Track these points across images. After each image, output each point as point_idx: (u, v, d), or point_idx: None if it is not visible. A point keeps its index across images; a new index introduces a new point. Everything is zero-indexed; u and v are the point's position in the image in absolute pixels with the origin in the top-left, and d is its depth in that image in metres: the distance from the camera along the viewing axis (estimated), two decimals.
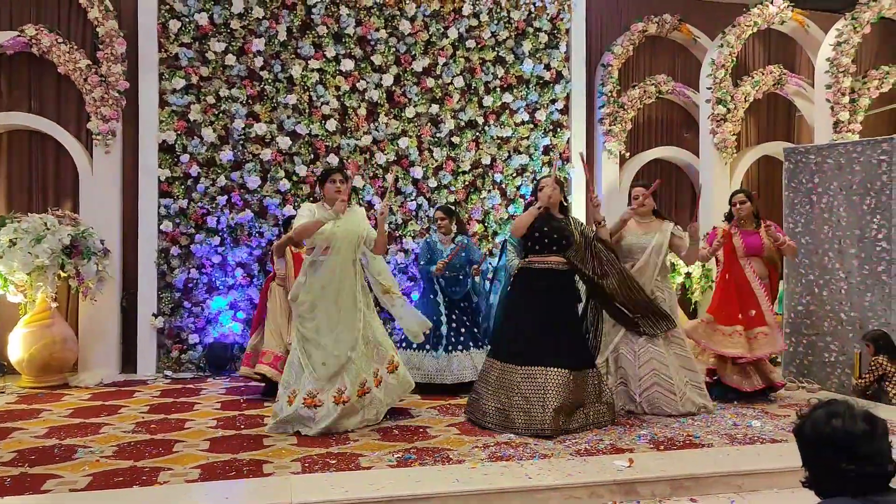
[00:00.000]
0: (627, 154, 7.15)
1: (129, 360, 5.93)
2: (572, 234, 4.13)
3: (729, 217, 5.05)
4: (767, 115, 7.69)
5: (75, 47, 5.77)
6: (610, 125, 6.98)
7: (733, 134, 6.97)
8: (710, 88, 6.94)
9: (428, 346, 5.04)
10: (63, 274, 5.36)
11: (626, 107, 7.04)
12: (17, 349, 5.27)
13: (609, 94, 6.98)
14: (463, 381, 4.96)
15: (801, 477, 1.50)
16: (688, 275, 6.96)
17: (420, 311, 4.81)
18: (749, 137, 7.60)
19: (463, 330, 5.17)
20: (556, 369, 3.89)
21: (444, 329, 5.12)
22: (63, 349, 5.38)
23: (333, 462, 3.41)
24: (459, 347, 5.09)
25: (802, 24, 7.20)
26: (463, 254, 5.25)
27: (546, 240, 4.09)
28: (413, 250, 6.35)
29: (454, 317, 5.20)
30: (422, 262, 5.34)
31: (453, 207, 5.91)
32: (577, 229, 4.20)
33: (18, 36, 5.66)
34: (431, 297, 5.25)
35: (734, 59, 6.97)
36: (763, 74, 7.15)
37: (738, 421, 4.29)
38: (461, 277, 5.26)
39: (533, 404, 3.85)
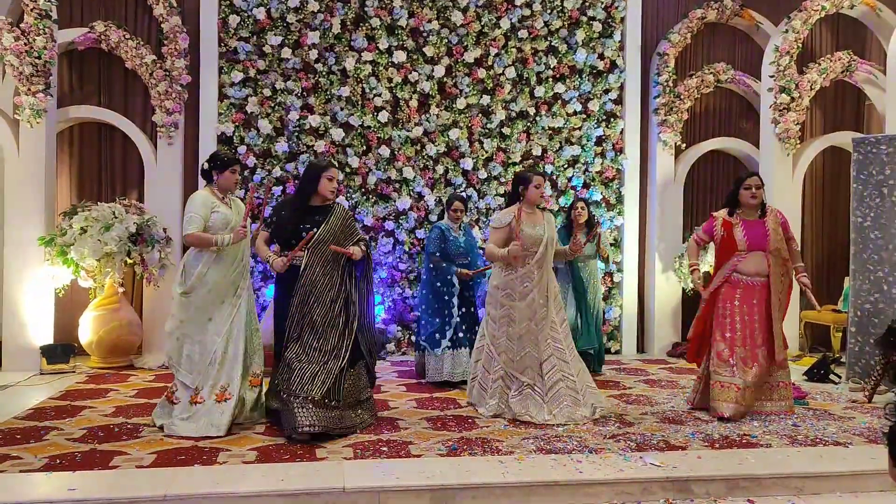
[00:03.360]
0: (683, 145, 6.95)
1: None
2: None
3: (732, 205, 4.34)
4: (835, 103, 7.33)
5: (141, 43, 6.00)
6: (665, 115, 6.80)
7: (797, 124, 6.68)
8: (772, 76, 6.67)
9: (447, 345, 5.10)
10: (129, 261, 5.61)
11: (682, 96, 6.84)
12: (87, 331, 5.55)
13: (665, 84, 6.80)
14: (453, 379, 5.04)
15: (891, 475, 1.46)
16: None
17: (427, 302, 5.12)
18: (814, 127, 7.27)
19: (465, 326, 5.17)
20: None
21: (456, 324, 5.13)
22: (129, 332, 5.64)
23: (385, 449, 3.47)
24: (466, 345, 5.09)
25: (874, 7, 6.82)
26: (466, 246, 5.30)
27: None
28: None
29: (462, 313, 5.19)
30: (432, 250, 5.22)
31: (465, 196, 5.99)
32: None
33: (89, 32, 5.92)
34: (444, 289, 5.14)
35: (800, 45, 6.67)
36: (831, 61, 6.81)
37: (798, 422, 4.15)
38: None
39: None
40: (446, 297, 5.13)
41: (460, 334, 5.11)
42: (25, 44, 5.34)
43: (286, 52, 6.20)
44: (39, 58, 5.38)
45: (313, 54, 6.24)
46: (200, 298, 3.77)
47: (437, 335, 5.07)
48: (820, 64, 6.79)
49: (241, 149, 6.15)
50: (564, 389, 4.04)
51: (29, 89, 5.37)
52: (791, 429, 3.98)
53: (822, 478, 3.27)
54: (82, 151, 6.28)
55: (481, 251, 5.50)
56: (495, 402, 4.14)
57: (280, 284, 4.03)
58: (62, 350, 5.46)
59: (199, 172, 4.03)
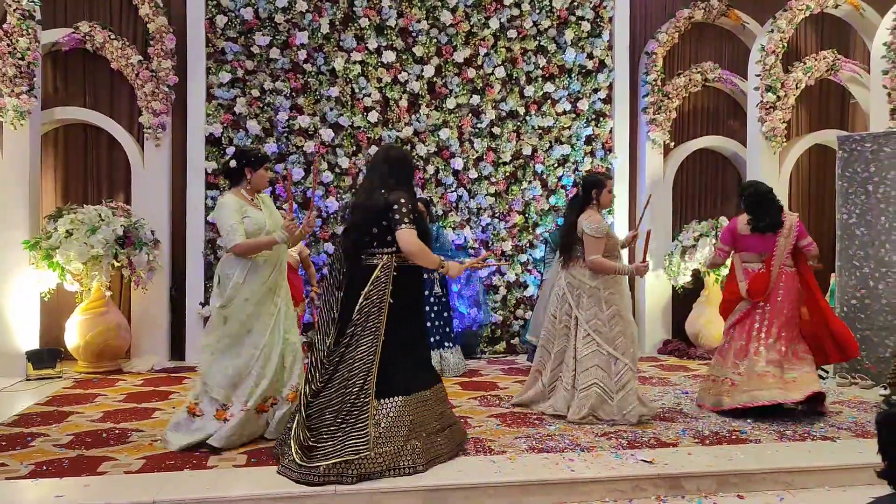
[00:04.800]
0: (672, 144, 6.99)
1: (177, 347, 6.11)
2: None
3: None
4: (819, 102, 7.41)
5: (127, 43, 5.94)
6: (654, 114, 6.84)
7: (783, 122, 6.74)
8: (759, 75, 6.72)
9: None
10: (116, 264, 5.55)
11: (670, 95, 6.88)
12: (74, 336, 5.49)
13: (653, 83, 6.83)
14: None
15: (877, 468, 1.48)
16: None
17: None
18: (799, 126, 7.34)
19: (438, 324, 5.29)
20: None
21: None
22: (117, 336, 5.59)
23: None
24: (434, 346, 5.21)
25: (857, 7, 6.89)
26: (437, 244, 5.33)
27: None
28: (453, 241, 6.35)
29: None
30: None
31: (428, 199, 6.02)
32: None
33: (73, 32, 5.86)
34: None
35: (785, 44, 6.73)
36: (815, 60, 6.88)
37: (787, 417, 4.18)
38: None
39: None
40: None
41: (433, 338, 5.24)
42: (8, 45, 5.28)
43: (275, 53, 6.17)
44: (23, 59, 5.32)
45: (302, 54, 6.21)
46: (239, 310, 3.45)
47: None
48: (805, 63, 6.85)
49: (230, 150, 6.11)
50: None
51: (12, 91, 5.30)
52: (780, 424, 4.01)
53: (810, 472, 3.30)
54: (67, 153, 6.21)
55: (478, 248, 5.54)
56: (636, 403, 3.96)
57: (407, 292, 3.25)
58: (48, 355, 5.39)
59: (225, 173, 3.67)
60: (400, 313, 3.15)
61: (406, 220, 3.10)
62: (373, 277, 3.12)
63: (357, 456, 2.96)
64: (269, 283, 3.51)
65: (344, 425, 3.02)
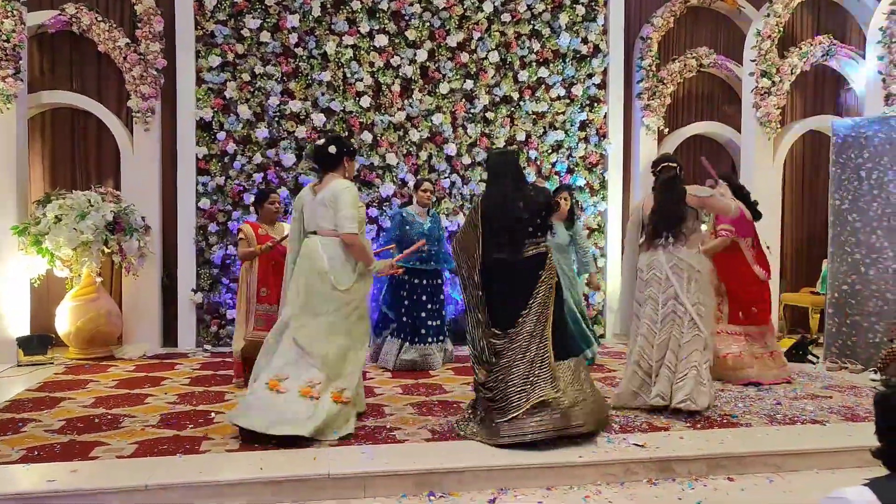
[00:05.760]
0: (666, 130, 6.97)
1: (170, 334, 6.08)
2: None
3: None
4: (815, 88, 7.39)
5: (114, 25, 5.85)
6: (648, 100, 6.80)
7: (778, 108, 6.73)
8: (754, 61, 6.69)
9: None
10: (107, 250, 5.51)
11: (665, 81, 6.84)
12: (65, 322, 5.45)
13: (648, 68, 6.79)
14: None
15: (872, 448, 1.48)
16: None
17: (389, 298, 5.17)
18: (794, 112, 7.33)
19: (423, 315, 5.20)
20: None
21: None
22: (108, 323, 5.55)
23: (370, 434, 3.46)
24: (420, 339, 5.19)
25: None
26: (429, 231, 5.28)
27: None
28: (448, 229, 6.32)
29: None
30: (391, 237, 5.22)
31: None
32: None
33: (59, 14, 5.76)
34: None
35: (781, 29, 6.70)
36: (811, 45, 6.85)
37: (780, 400, 4.21)
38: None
39: None
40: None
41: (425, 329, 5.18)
42: None
43: (265, 36, 6.09)
44: (8, 41, 5.23)
45: (293, 38, 6.13)
46: (360, 295, 3.64)
47: (380, 324, 5.26)
48: (801, 48, 6.83)
49: (221, 135, 6.05)
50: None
51: None
52: (771, 408, 4.04)
53: (800, 455, 3.33)
54: (55, 138, 6.13)
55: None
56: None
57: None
58: (39, 341, 5.36)
59: (319, 157, 3.59)
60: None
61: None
62: (547, 263, 3.50)
63: (547, 397, 3.27)
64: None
65: (527, 384, 3.31)
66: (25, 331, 5.41)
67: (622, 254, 6.80)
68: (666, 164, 4.07)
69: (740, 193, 4.82)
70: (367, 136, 6.27)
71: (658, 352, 3.89)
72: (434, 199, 5.61)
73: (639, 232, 4.10)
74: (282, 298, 3.78)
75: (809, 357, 5.59)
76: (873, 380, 4.77)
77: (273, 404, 3.30)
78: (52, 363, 5.29)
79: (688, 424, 3.68)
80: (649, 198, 4.11)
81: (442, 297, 5.38)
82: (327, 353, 3.43)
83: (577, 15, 6.64)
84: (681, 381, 3.80)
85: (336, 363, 3.46)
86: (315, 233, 3.58)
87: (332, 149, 3.58)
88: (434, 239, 5.25)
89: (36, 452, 3.17)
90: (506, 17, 6.50)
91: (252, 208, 5.35)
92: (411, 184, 6.35)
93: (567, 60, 6.67)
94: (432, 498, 2.92)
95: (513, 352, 3.37)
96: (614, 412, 3.84)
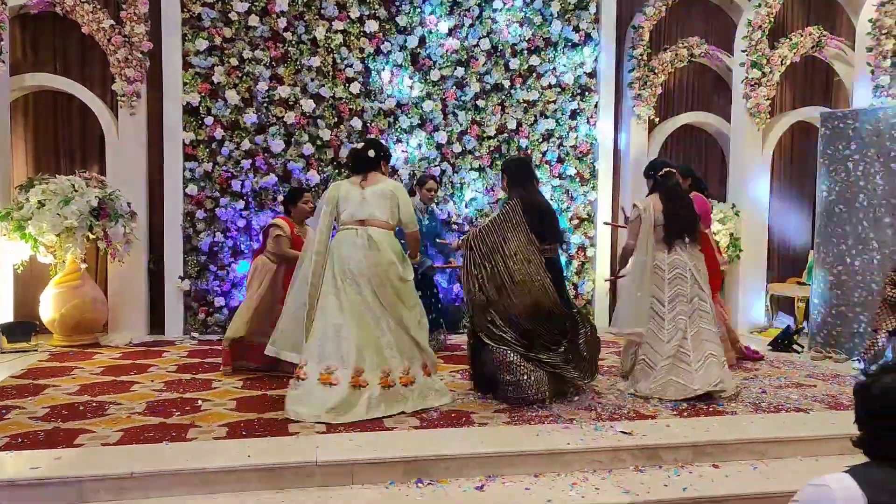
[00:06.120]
0: (657, 119, 6.97)
1: (157, 321, 6.03)
2: None
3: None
4: (804, 79, 7.42)
5: (99, 7, 5.74)
6: (639, 89, 6.79)
7: (767, 99, 6.74)
8: (745, 51, 6.70)
9: None
10: (91, 236, 5.43)
11: (656, 70, 6.83)
12: (49, 309, 5.39)
13: (639, 58, 6.78)
14: None
15: (853, 436, 1.51)
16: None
17: None
18: (784, 103, 7.36)
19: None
20: None
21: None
22: (93, 309, 5.49)
23: (358, 422, 3.45)
24: None
25: None
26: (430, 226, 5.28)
27: None
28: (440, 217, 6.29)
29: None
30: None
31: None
32: None
33: None
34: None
35: (772, 19, 6.70)
36: (802, 36, 6.86)
37: (764, 388, 4.26)
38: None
39: None
40: None
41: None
42: None
43: (253, 20, 6.00)
44: None
45: (282, 22, 6.05)
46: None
47: None
48: (791, 39, 6.84)
49: (209, 120, 5.97)
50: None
51: None
52: (756, 396, 4.09)
53: (783, 443, 3.36)
54: (38, 122, 6.03)
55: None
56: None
57: None
58: (22, 328, 5.30)
59: (358, 159, 3.80)
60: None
61: None
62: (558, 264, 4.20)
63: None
64: None
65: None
66: (9, 317, 5.34)
67: (620, 248, 6.86)
68: (668, 169, 4.24)
69: (699, 186, 5.04)
70: (356, 123, 6.21)
71: (693, 343, 4.03)
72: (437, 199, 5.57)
73: (653, 233, 4.16)
74: (292, 283, 3.85)
75: (795, 347, 5.66)
76: (855, 368, 4.83)
77: (429, 386, 3.79)
78: (35, 350, 5.23)
79: (674, 412, 3.71)
80: (655, 199, 4.19)
81: (436, 289, 5.40)
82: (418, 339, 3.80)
83: (569, 3, 6.60)
84: (718, 368, 4.02)
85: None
86: (363, 223, 3.67)
87: (371, 152, 3.79)
88: (432, 236, 5.30)
89: (20, 440, 3.13)
90: (497, 4, 6.45)
91: (282, 207, 5.14)
92: (402, 172, 6.33)
93: (558, 49, 6.63)
94: (420, 485, 2.93)
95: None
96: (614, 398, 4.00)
